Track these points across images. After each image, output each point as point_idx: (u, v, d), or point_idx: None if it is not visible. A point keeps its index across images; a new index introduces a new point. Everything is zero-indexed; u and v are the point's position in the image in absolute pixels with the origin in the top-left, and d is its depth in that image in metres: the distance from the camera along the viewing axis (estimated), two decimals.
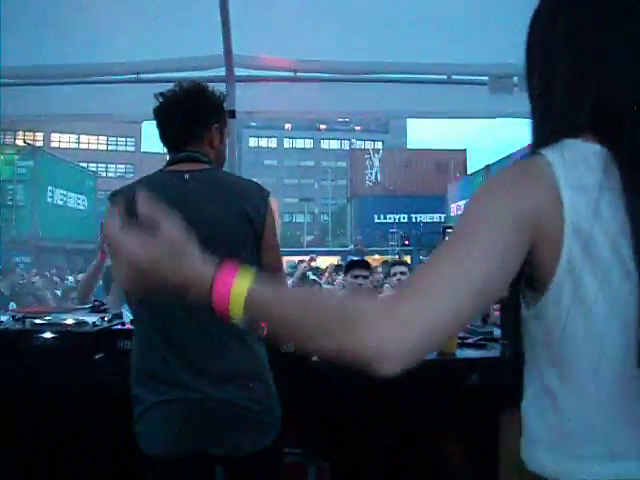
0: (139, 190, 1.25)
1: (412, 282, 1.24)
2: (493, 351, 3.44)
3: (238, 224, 2.57)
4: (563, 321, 1.25)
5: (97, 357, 2.93)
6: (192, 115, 2.74)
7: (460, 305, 1.16)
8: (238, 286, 1.22)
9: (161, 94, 2.76)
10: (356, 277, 6.08)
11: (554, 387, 1.31)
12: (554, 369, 1.31)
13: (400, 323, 1.14)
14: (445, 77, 4.80)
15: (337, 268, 14.60)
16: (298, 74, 4.76)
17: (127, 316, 3.89)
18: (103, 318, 3.64)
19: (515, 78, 4.50)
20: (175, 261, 1.24)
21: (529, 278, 1.31)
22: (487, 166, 24.87)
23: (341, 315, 1.18)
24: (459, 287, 1.16)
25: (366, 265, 6.50)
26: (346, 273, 6.36)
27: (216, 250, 1.29)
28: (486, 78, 4.64)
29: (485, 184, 1.30)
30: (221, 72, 4.65)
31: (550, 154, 1.26)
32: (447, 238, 1.26)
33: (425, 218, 45.48)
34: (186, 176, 2.60)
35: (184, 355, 2.52)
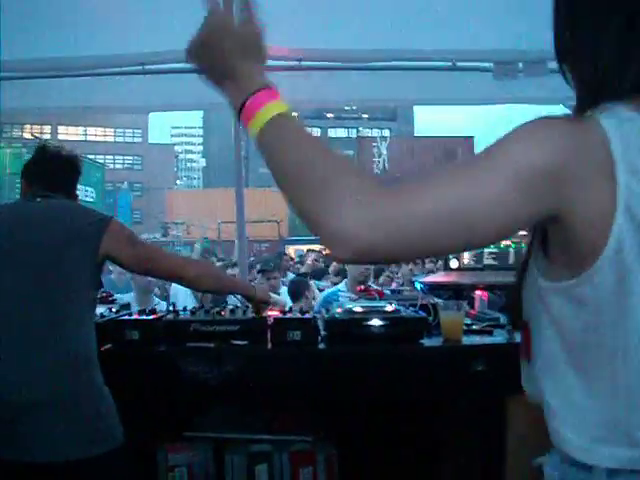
0: None
1: (405, 186, 1.18)
2: (499, 338, 3.44)
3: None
4: (602, 305, 1.21)
5: (104, 348, 2.94)
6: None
7: (435, 226, 1.13)
8: (277, 103, 1.27)
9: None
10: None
11: (580, 366, 1.28)
12: (581, 352, 1.28)
13: (373, 218, 1.11)
14: (450, 64, 4.78)
15: None
16: (303, 63, 4.76)
17: (135, 307, 3.92)
18: (110, 309, 3.67)
19: (520, 64, 4.48)
20: (245, 50, 1.31)
21: (549, 248, 1.28)
22: None
23: (335, 179, 1.16)
24: (442, 209, 1.13)
25: None
26: None
27: None
28: (490, 64, 4.62)
29: (528, 125, 1.21)
30: None
31: (603, 120, 1.20)
32: (463, 160, 1.23)
33: None
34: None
35: None
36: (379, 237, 1.11)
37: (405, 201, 1.14)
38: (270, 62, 4.23)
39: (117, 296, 6.55)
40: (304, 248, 25.49)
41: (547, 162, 1.14)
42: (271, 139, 1.26)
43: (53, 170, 3.10)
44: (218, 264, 10.41)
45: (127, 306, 3.92)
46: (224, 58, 1.31)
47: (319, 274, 10.30)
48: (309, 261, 13.30)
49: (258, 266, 8.20)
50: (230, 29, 1.33)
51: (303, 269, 12.30)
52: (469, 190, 1.14)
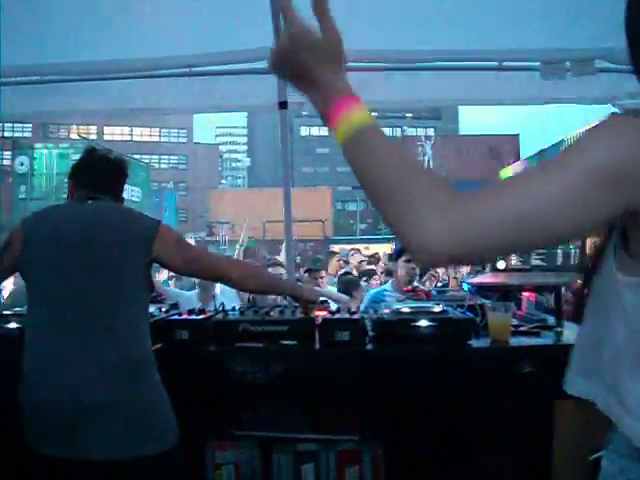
0: None
1: (482, 191, 1.22)
2: (547, 339, 3.42)
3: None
4: None
5: (155, 347, 2.98)
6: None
7: (512, 228, 1.16)
8: (355, 113, 1.29)
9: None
10: (408, 261, 6.04)
11: None
12: None
13: (452, 227, 1.15)
14: (496, 63, 4.77)
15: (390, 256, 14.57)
16: (348, 64, 4.77)
17: (184, 307, 3.96)
18: (160, 309, 3.71)
19: (567, 63, 4.45)
20: (326, 59, 1.33)
21: (628, 242, 1.28)
22: (541, 151, 24.55)
23: (420, 190, 1.20)
24: (519, 209, 1.15)
25: None
26: (397, 258, 6.32)
27: None
28: (538, 64, 4.60)
29: (604, 123, 1.22)
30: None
31: None
32: (538, 164, 1.27)
33: None
34: None
35: None
36: (458, 245, 1.16)
37: (483, 205, 1.17)
38: None
39: (183, 293, 6.68)
40: (348, 247, 25.50)
41: (625, 159, 1.15)
42: (353, 157, 1.29)
43: (101, 173, 3.13)
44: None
45: (175, 306, 3.96)
46: (306, 68, 1.33)
47: (368, 275, 10.29)
48: (354, 262, 13.27)
49: (305, 266, 8.21)
50: (311, 39, 1.34)
51: (347, 269, 12.30)
52: (547, 189, 1.16)
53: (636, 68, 1.37)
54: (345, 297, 7.12)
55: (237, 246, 20.38)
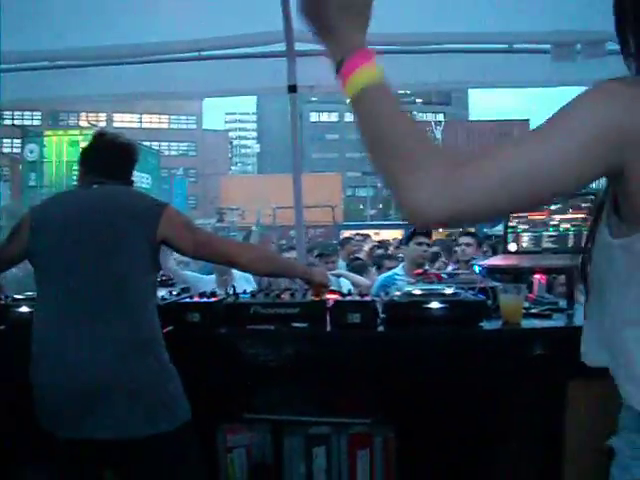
0: None
1: (482, 152, 1.25)
2: (559, 321, 3.42)
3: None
4: None
5: (166, 330, 2.99)
6: None
7: (514, 187, 1.18)
8: (369, 69, 1.32)
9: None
10: (420, 244, 6.05)
11: None
12: None
13: (456, 188, 1.18)
14: (507, 46, 4.74)
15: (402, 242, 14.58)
16: None
17: (196, 289, 3.96)
18: (171, 292, 3.72)
19: (578, 45, 4.43)
20: (350, 7, 1.34)
21: (617, 204, 1.31)
22: None
23: (417, 151, 1.23)
24: (519, 172, 1.18)
25: (428, 233, 6.43)
26: (408, 242, 6.31)
27: None
28: (548, 46, 4.57)
29: (602, 85, 1.25)
30: (281, 47, 4.66)
31: None
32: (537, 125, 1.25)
33: None
34: None
35: None
36: (452, 209, 1.19)
37: (476, 169, 1.20)
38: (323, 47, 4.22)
39: (202, 277, 6.69)
40: (358, 233, 25.47)
41: (619, 120, 1.18)
42: (359, 112, 1.31)
43: (109, 157, 3.13)
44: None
45: (187, 289, 3.97)
46: (331, 14, 1.34)
47: (379, 261, 10.26)
48: (366, 248, 13.25)
49: (316, 251, 8.20)
50: None
51: (359, 255, 12.27)
52: (538, 149, 1.19)
53: (620, 41, 1.40)
54: (366, 281, 7.13)
55: (254, 228, 20.41)
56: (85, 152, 3.21)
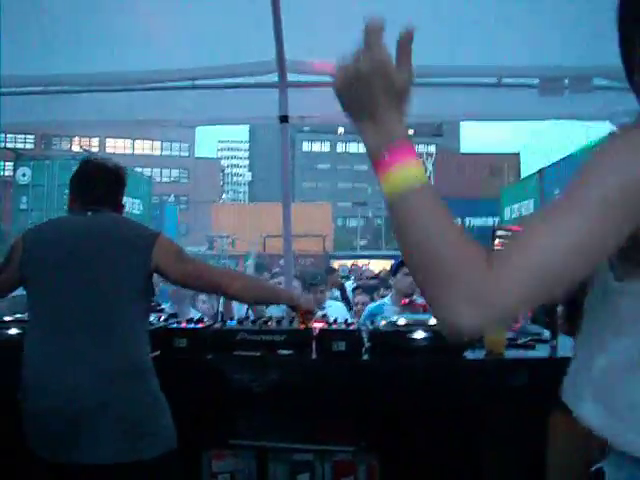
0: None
1: (514, 245, 1.21)
2: (541, 352, 3.45)
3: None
4: None
5: (153, 355, 3.01)
6: None
7: (558, 269, 1.14)
8: (412, 167, 1.24)
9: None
10: (407, 275, 6.01)
11: None
12: None
13: (489, 298, 1.13)
14: (495, 80, 4.81)
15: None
16: None
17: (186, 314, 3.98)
18: (159, 317, 3.74)
19: (566, 80, 4.49)
20: (394, 95, 1.26)
21: (629, 250, 1.25)
22: (540, 170, 24.61)
23: (451, 263, 1.16)
24: (555, 264, 1.14)
25: None
26: (396, 272, 6.31)
27: None
28: (536, 81, 4.63)
29: (599, 151, 1.22)
30: (274, 78, 4.72)
31: None
32: (556, 201, 1.21)
33: (479, 222, 45.15)
34: None
35: None
36: (489, 322, 1.19)
37: (510, 274, 1.14)
38: (320, 78, 4.28)
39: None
40: (348, 263, 25.51)
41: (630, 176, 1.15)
42: (397, 213, 1.24)
43: (97, 183, 3.15)
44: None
45: (175, 315, 3.99)
46: (373, 99, 1.25)
47: (370, 290, 10.26)
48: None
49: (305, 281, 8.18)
50: (390, 71, 1.25)
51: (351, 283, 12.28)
52: (578, 225, 1.15)
53: (626, 69, 1.39)
54: (342, 311, 7.11)
55: (249, 262, 20.38)
56: (73, 179, 3.23)
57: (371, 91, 1.25)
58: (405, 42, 1.27)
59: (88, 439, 2.68)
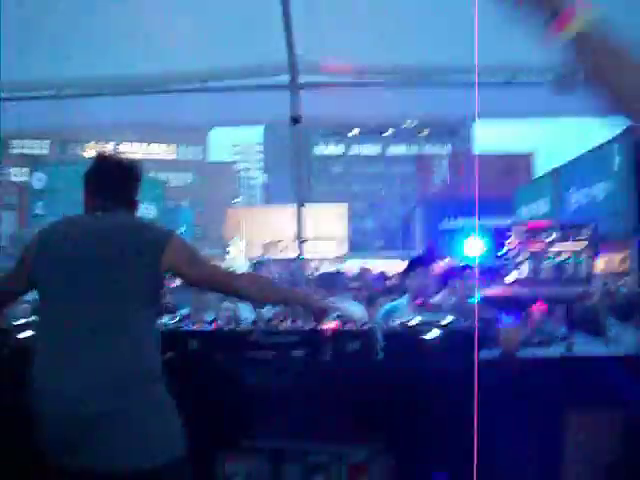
0: None
1: None
2: (557, 350, 3.42)
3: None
4: None
5: (167, 357, 2.99)
6: None
7: None
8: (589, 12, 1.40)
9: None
10: (419, 274, 5.96)
11: None
12: None
13: None
14: (509, 77, 4.78)
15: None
16: (361, 79, 4.81)
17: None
18: (173, 318, 3.73)
19: (578, 76, 4.46)
20: None
21: None
22: (554, 169, 24.52)
23: None
24: None
25: (430, 261, 6.33)
26: (409, 272, 6.23)
27: None
28: (549, 78, 4.60)
29: None
30: (285, 79, 4.71)
31: None
32: None
33: (494, 222, 45.00)
34: None
35: None
36: None
37: None
38: (332, 78, 4.26)
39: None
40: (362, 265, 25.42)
41: None
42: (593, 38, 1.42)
43: (112, 179, 3.11)
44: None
45: (188, 316, 3.97)
46: None
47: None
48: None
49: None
50: None
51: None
52: None
53: None
54: (358, 312, 7.08)
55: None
56: (88, 175, 3.17)
57: None
58: None
59: (98, 444, 2.66)
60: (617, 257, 19.74)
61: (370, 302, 8.25)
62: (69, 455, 2.68)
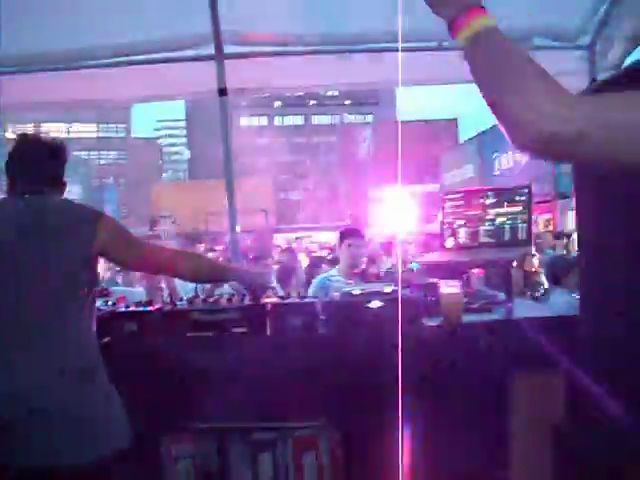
0: None
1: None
2: (499, 315, 3.43)
3: None
4: None
5: (103, 341, 2.92)
6: None
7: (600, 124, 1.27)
8: (488, 17, 1.41)
9: None
10: (350, 245, 5.95)
11: None
12: None
13: (563, 113, 1.28)
14: (435, 44, 4.76)
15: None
16: (287, 48, 4.75)
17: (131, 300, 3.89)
18: (107, 302, 3.63)
19: None
20: None
21: None
22: (479, 134, 24.81)
23: (533, 81, 1.33)
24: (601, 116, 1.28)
25: (360, 234, 6.32)
26: (341, 244, 6.22)
27: None
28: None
29: None
30: (210, 50, 4.62)
31: None
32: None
33: (420, 189, 45.44)
34: None
35: None
36: (567, 130, 1.28)
37: (594, 104, 1.33)
38: (254, 48, 4.20)
39: (128, 290, 6.53)
40: (292, 236, 25.46)
41: None
42: (479, 49, 1.42)
43: (37, 159, 2.96)
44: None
45: (123, 299, 3.88)
46: None
47: (316, 264, 10.19)
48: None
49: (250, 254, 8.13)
50: None
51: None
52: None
53: None
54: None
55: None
56: (10, 157, 2.99)
57: None
58: None
59: (39, 441, 2.58)
60: (542, 219, 20.22)
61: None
62: (11, 452, 2.60)
